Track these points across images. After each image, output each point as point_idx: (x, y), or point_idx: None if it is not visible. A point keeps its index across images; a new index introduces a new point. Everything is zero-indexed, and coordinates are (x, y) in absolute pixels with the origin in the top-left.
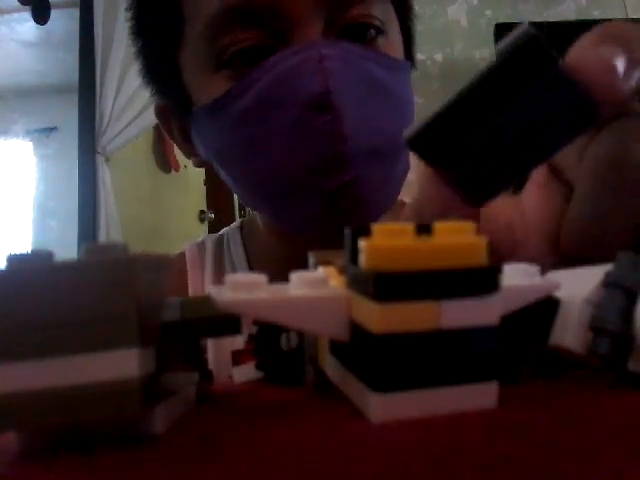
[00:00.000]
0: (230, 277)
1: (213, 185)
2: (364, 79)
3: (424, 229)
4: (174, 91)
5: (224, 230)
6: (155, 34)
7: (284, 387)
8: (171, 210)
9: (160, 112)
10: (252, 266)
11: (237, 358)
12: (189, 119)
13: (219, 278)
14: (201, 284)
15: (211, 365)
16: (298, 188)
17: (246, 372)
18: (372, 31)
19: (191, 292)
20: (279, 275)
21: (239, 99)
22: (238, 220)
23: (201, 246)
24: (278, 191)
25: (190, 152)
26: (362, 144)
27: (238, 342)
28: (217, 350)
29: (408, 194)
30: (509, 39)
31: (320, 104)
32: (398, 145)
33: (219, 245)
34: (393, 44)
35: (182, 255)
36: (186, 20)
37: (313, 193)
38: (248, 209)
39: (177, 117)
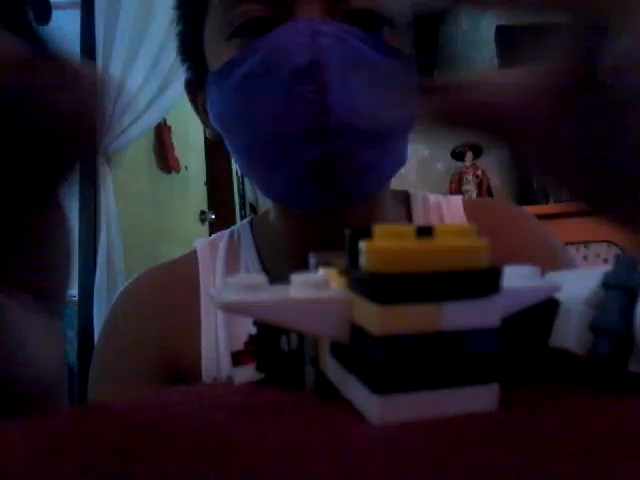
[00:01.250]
0: (231, 278)
1: (214, 186)
2: (359, 61)
3: (425, 231)
4: (197, 63)
5: (234, 227)
6: (186, 6)
7: (284, 388)
8: (172, 211)
9: (188, 85)
10: (264, 260)
11: (237, 359)
12: (206, 89)
13: (232, 274)
14: (213, 280)
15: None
16: (283, 154)
17: (246, 373)
18: (377, 19)
19: (203, 288)
20: (291, 268)
21: (240, 66)
22: (248, 217)
23: (213, 243)
24: (265, 157)
25: (206, 122)
26: (346, 121)
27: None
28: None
29: (406, 187)
30: None
31: (308, 74)
32: (392, 132)
33: (231, 241)
34: (402, 38)
35: (193, 252)
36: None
37: (296, 161)
38: (248, 209)
39: (202, 89)
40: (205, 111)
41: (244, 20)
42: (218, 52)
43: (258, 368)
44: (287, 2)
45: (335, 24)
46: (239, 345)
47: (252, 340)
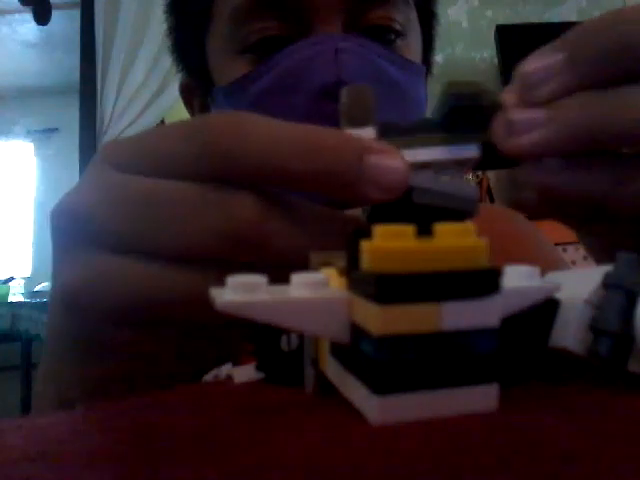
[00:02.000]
0: (230, 278)
1: None
2: (377, 76)
3: (425, 231)
4: (198, 70)
5: None
6: (186, 14)
7: (284, 388)
8: None
9: (184, 89)
10: None
11: (237, 358)
12: (209, 98)
13: None
14: None
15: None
16: None
17: (246, 372)
18: (392, 34)
19: None
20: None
21: (256, 83)
22: None
23: None
24: None
25: None
26: None
27: None
28: None
29: None
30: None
31: (331, 93)
32: None
33: None
34: (411, 48)
35: None
36: (215, 3)
37: None
38: None
39: (199, 95)
40: None
41: (259, 37)
42: (227, 66)
43: (258, 368)
44: (305, 19)
45: (355, 40)
46: None
47: (252, 340)
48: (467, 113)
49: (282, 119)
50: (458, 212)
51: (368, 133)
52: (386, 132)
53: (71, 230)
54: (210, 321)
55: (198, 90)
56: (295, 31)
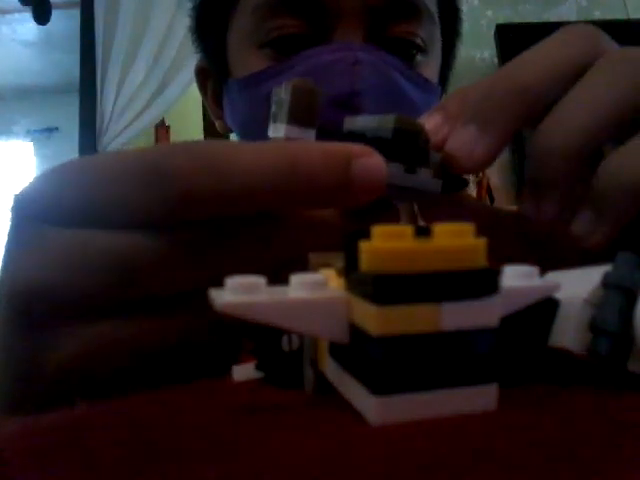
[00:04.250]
0: (229, 279)
1: None
2: (393, 91)
3: (423, 231)
4: (217, 57)
5: None
6: (211, 4)
7: (284, 389)
8: None
9: (199, 72)
10: None
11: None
12: (224, 86)
13: None
14: None
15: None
16: None
17: (246, 371)
18: (413, 49)
19: None
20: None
21: (272, 80)
22: None
23: None
24: None
25: (217, 115)
26: None
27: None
28: None
29: None
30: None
31: (345, 103)
32: None
33: None
34: (431, 66)
35: None
36: None
37: None
38: None
39: (213, 81)
40: (216, 103)
41: (279, 34)
42: (245, 58)
43: (258, 368)
44: (327, 22)
45: (374, 52)
46: None
47: (252, 339)
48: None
49: None
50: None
51: (309, 136)
52: (322, 136)
53: (37, 307)
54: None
55: (213, 75)
56: (316, 32)
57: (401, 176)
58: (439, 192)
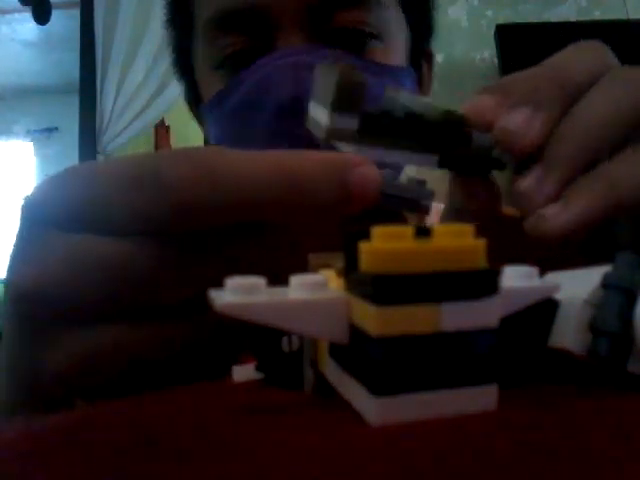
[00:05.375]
0: (229, 280)
1: None
2: None
3: (423, 232)
4: (191, 84)
5: None
6: (175, 34)
7: (284, 389)
8: None
9: (188, 103)
10: None
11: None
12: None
13: None
14: None
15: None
16: None
17: (246, 372)
18: (363, 37)
19: None
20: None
21: (227, 99)
22: None
23: None
24: None
25: (208, 136)
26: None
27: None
28: None
29: None
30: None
31: (292, 109)
32: None
33: None
34: (390, 50)
35: None
36: (194, 22)
37: None
38: None
39: (197, 106)
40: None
41: (227, 53)
42: (206, 82)
43: (258, 368)
44: (268, 31)
45: (317, 52)
46: None
47: (252, 340)
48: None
49: (250, 137)
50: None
51: (351, 124)
52: (366, 125)
53: (40, 312)
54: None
55: (196, 103)
56: (262, 44)
57: (391, 185)
58: (430, 201)
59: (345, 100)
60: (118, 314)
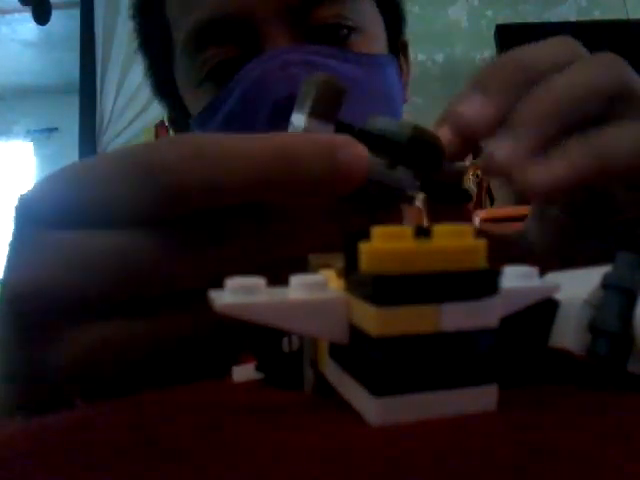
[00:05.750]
0: (229, 280)
1: None
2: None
3: (423, 232)
4: (176, 104)
5: None
6: (153, 54)
7: (284, 389)
8: None
9: (171, 122)
10: None
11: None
12: (190, 129)
13: None
14: None
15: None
16: None
17: (246, 372)
18: (344, 30)
19: None
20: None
21: (220, 108)
22: None
23: None
24: None
25: None
26: None
27: None
28: None
29: None
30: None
31: (287, 107)
32: None
33: None
34: (371, 40)
35: None
36: (173, 40)
37: None
38: None
39: (182, 127)
40: None
41: (213, 64)
42: (194, 97)
43: (258, 369)
44: (252, 36)
45: (300, 49)
46: None
47: (252, 340)
48: (421, 148)
49: None
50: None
51: (327, 130)
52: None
53: (38, 311)
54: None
55: (182, 122)
56: (247, 49)
57: (379, 172)
58: (415, 191)
59: (322, 106)
60: (116, 309)
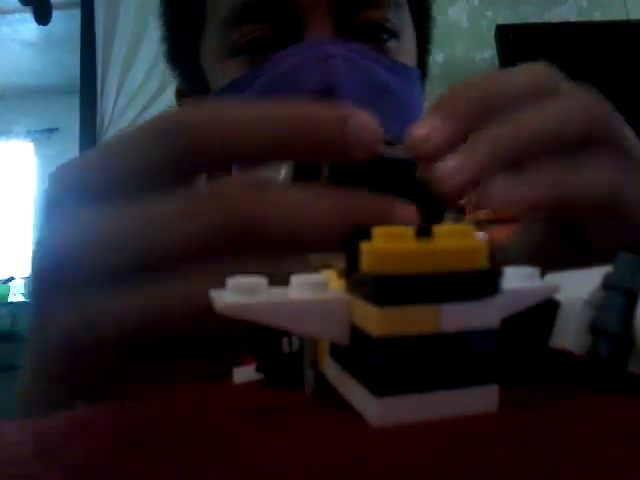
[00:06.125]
0: (230, 280)
1: None
2: (368, 80)
3: (424, 232)
4: (194, 76)
5: None
6: (180, 22)
7: (284, 390)
8: None
9: (180, 95)
10: None
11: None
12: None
13: None
14: None
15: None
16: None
17: (246, 373)
18: (384, 34)
19: None
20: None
21: (247, 88)
22: None
23: None
24: None
25: None
26: None
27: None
28: None
29: None
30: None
31: (321, 99)
32: None
33: None
34: (405, 50)
35: None
36: (208, 9)
37: None
38: None
39: (193, 100)
40: None
41: (249, 39)
42: (220, 69)
43: (258, 369)
44: (295, 21)
45: (345, 44)
46: None
47: (253, 340)
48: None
49: None
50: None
51: (282, 170)
52: (297, 172)
53: (61, 281)
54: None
55: (194, 95)
56: (286, 33)
57: (391, 151)
58: (414, 163)
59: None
60: (140, 277)
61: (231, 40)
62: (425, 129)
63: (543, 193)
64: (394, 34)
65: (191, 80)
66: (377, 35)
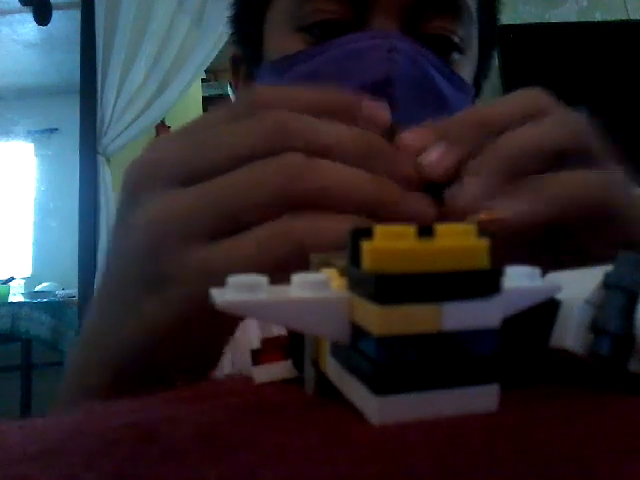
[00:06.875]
0: (231, 278)
1: None
2: (426, 84)
3: (426, 231)
4: (252, 40)
5: None
6: None
7: (284, 389)
8: None
9: (234, 59)
10: None
11: (257, 358)
12: (256, 71)
13: None
14: None
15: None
16: None
17: (267, 372)
18: (449, 46)
19: None
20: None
21: (305, 63)
22: None
23: None
24: None
25: None
26: None
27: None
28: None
29: None
30: None
31: (379, 90)
32: None
33: None
34: (466, 66)
35: None
36: None
37: None
38: None
39: (247, 67)
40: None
41: (316, 19)
42: (281, 41)
43: (296, 366)
44: (365, 9)
45: (410, 43)
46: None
47: (283, 339)
48: None
49: None
50: None
51: None
52: None
53: (148, 175)
54: None
55: (247, 61)
56: (354, 19)
57: None
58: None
59: None
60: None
61: (299, 14)
62: (436, 154)
63: (534, 208)
64: (459, 48)
65: (249, 47)
66: (442, 46)
